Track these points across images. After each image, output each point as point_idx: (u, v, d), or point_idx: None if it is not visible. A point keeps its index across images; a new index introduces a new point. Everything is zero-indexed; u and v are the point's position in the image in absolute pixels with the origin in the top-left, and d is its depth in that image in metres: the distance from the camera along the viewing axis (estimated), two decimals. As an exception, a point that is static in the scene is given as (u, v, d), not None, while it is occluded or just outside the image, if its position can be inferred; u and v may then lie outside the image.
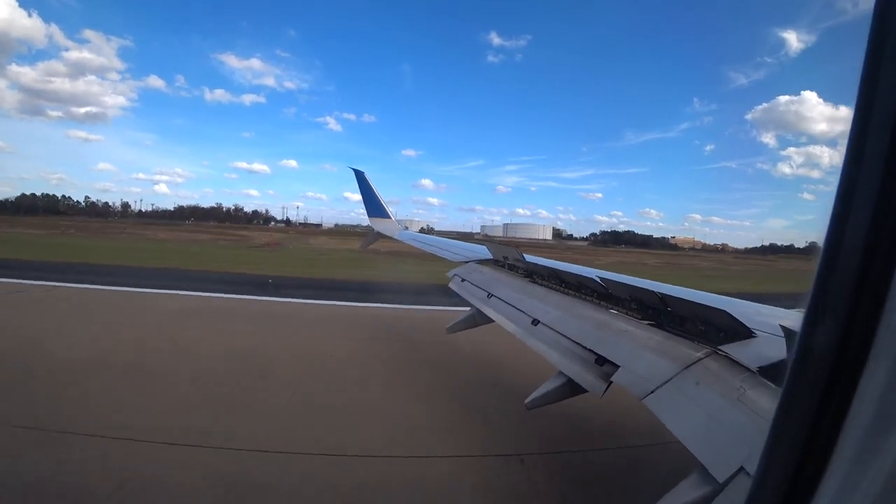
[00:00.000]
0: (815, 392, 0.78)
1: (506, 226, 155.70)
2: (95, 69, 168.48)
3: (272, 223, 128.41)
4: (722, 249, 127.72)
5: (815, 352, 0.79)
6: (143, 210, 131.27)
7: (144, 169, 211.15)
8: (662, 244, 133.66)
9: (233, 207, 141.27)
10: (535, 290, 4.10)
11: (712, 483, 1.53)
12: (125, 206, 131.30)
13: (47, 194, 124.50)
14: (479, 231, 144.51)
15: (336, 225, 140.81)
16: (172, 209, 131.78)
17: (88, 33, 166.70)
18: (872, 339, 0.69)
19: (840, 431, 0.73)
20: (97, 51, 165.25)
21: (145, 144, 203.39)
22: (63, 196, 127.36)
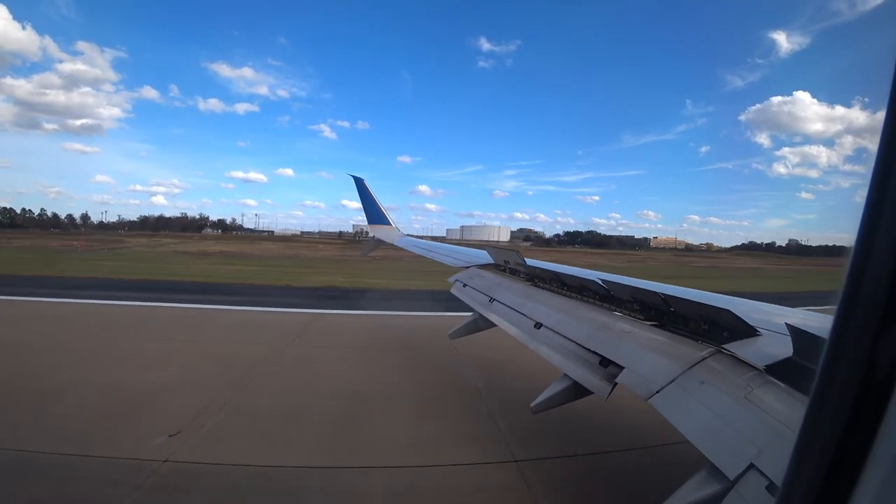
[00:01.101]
0: (846, 402, 0.74)
1: (462, 228, 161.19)
2: (90, 81, 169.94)
3: (206, 230, 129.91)
4: (707, 249, 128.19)
5: (845, 360, 0.76)
6: (106, 221, 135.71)
7: (141, 180, 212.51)
8: (623, 243, 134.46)
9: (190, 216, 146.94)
10: (536, 294, 4.11)
11: (723, 480, 1.54)
12: (84, 217, 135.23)
13: (5, 208, 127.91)
14: (444, 234, 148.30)
15: (302, 233, 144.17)
16: (135, 220, 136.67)
17: (82, 45, 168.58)
18: None
19: (873, 444, 0.70)
20: (91, 62, 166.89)
21: (141, 156, 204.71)
22: (23, 209, 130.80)
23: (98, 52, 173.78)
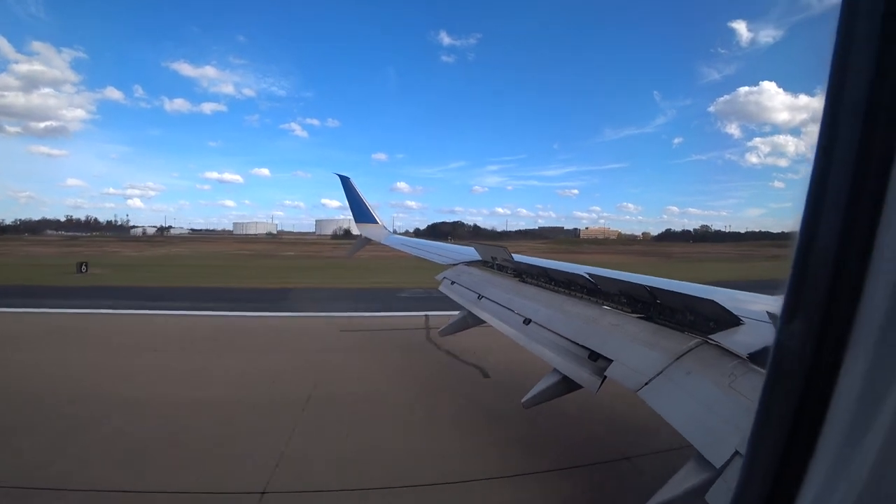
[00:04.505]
0: (797, 381, 0.78)
1: (317, 222, 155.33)
2: (49, 82, 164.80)
3: (134, 231, 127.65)
4: (641, 238, 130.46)
5: (793, 342, 0.79)
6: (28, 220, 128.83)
7: (114, 183, 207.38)
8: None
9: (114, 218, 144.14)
10: (525, 290, 4.13)
11: (710, 469, 1.57)
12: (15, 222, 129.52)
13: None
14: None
15: (266, 233, 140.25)
16: (64, 219, 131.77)
17: (37, 45, 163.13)
18: (850, 329, 0.70)
19: (824, 420, 0.74)
20: (48, 63, 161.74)
21: (112, 157, 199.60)
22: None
23: (54, 52, 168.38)
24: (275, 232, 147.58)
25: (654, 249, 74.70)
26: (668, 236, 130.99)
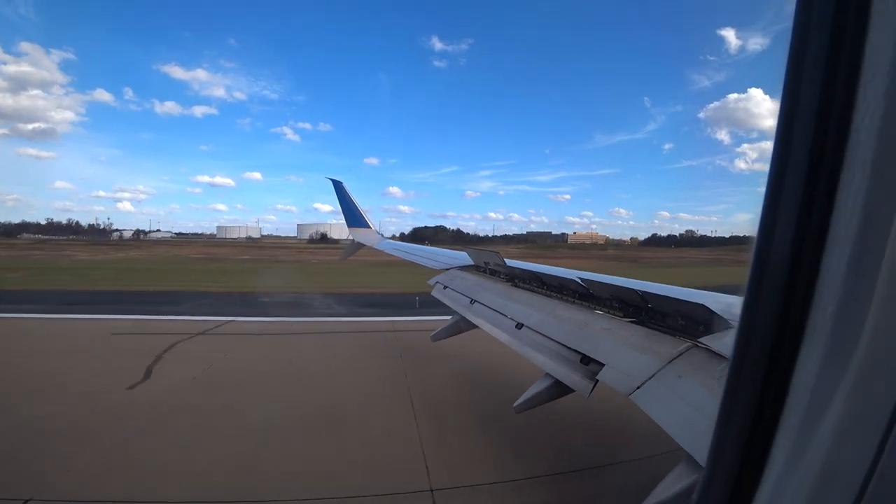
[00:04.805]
0: (757, 375, 0.82)
1: (298, 226, 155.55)
2: (37, 83, 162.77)
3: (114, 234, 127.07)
4: (629, 243, 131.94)
5: (754, 338, 0.83)
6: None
7: (104, 186, 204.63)
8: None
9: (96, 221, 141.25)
10: (517, 294, 4.14)
11: (700, 471, 1.57)
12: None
13: None
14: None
15: (246, 237, 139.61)
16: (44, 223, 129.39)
17: (25, 46, 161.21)
18: (805, 325, 0.74)
19: (781, 412, 0.77)
20: (36, 64, 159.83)
21: (101, 160, 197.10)
22: None
23: (43, 53, 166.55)
24: (258, 236, 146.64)
25: (624, 254, 75.54)
26: (654, 241, 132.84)
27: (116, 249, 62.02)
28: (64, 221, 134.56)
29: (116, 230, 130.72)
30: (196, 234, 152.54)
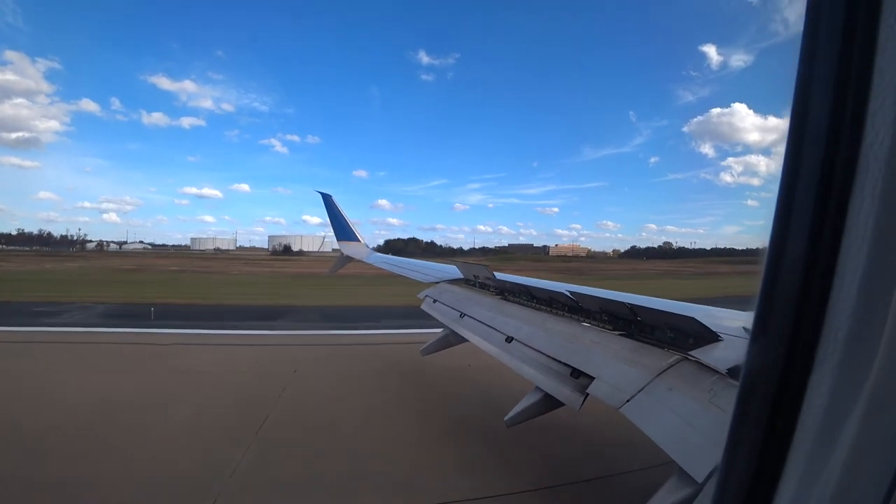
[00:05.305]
0: (768, 395, 0.80)
1: (270, 238, 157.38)
2: (22, 92, 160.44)
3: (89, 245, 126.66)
4: (612, 255, 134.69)
5: (763, 356, 0.82)
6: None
7: (89, 197, 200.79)
8: (442, 251, 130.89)
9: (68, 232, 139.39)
10: (507, 308, 4.14)
11: (692, 484, 1.57)
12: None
13: None
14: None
15: (214, 249, 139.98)
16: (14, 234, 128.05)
17: (10, 54, 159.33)
18: (815, 350, 0.72)
19: (794, 432, 0.76)
20: (21, 72, 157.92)
21: (86, 171, 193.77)
22: None
23: (28, 62, 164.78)
24: (232, 248, 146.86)
25: (588, 266, 76.30)
26: (633, 253, 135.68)
27: (74, 260, 61.34)
28: (35, 232, 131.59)
29: (90, 241, 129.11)
30: (175, 246, 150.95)
